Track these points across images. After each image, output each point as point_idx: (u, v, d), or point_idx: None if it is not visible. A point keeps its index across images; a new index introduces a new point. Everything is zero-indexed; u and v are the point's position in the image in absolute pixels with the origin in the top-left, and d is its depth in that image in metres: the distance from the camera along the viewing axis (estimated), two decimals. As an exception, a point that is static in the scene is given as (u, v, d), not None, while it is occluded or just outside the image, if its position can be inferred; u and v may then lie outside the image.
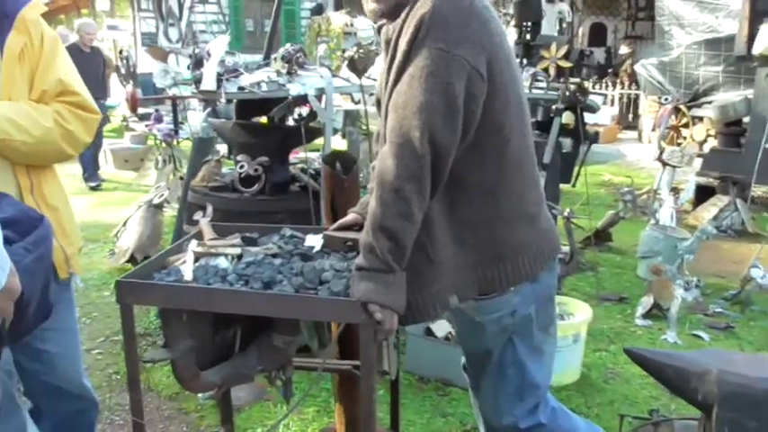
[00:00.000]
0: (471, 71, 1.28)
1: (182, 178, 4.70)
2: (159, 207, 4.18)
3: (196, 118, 5.39)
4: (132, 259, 3.98)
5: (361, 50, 2.41)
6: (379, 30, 1.48)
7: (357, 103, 3.00)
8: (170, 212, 4.97)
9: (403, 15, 1.33)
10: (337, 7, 15.43)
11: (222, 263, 1.54)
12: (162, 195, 4.15)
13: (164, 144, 5.71)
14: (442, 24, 1.26)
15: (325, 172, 1.88)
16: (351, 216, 1.69)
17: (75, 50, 5.95)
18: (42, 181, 1.59)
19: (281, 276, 1.45)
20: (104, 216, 5.38)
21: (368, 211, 1.34)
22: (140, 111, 7.84)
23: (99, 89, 5.79)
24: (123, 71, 5.40)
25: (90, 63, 6.03)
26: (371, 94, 2.80)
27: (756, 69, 5.52)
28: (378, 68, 2.63)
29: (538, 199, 1.51)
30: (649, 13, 10.89)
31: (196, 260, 1.57)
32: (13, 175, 1.52)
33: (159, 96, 7.09)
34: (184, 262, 1.56)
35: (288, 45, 2.70)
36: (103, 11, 14.63)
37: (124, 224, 4.25)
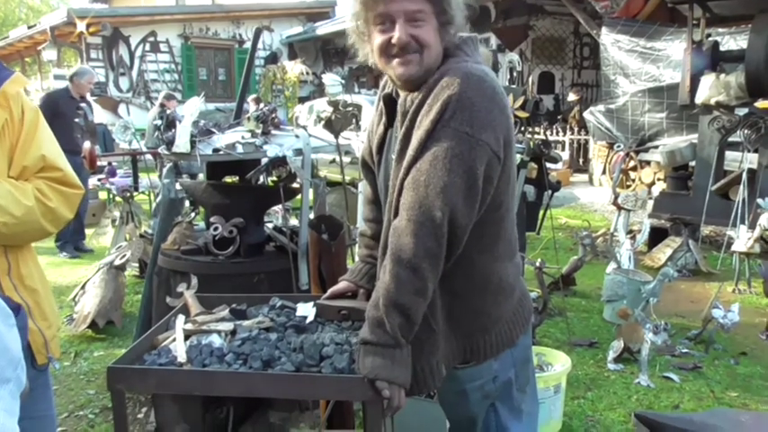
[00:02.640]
0: (492, 156, 1.31)
1: (142, 236, 4.57)
2: (121, 269, 4.02)
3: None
4: (93, 325, 3.79)
5: (338, 112, 2.43)
6: (385, 98, 1.50)
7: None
8: (129, 272, 4.80)
9: (424, 90, 1.34)
10: (292, 56, 15.68)
11: (216, 340, 1.48)
12: (124, 256, 4.00)
13: (119, 199, 5.56)
14: (468, 109, 1.28)
15: (311, 238, 1.86)
16: (342, 284, 1.68)
17: (65, 97, 5.55)
18: (20, 261, 1.51)
19: (280, 353, 1.41)
20: (59, 278, 5.13)
21: (378, 285, 1.32)
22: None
23: (76, 143, 5.32)
24: (83, 126, 5.20)
25: (76, 114, 5.53)
26: (348, 152, 2.82)
27: (699, 117, 5.87)
28: (357, 130, 2.67)
29: (517, 270, 1.54)
30: (594, 62, 11.50)
31: (186, 338, 1.51)
32: None
33: (118, 153, 6.93)
34: (174, 340, 1.50)
35: (261, 105, 2.69)
36: (50, 60, 14.34)
37: (83, 287, 4.06)
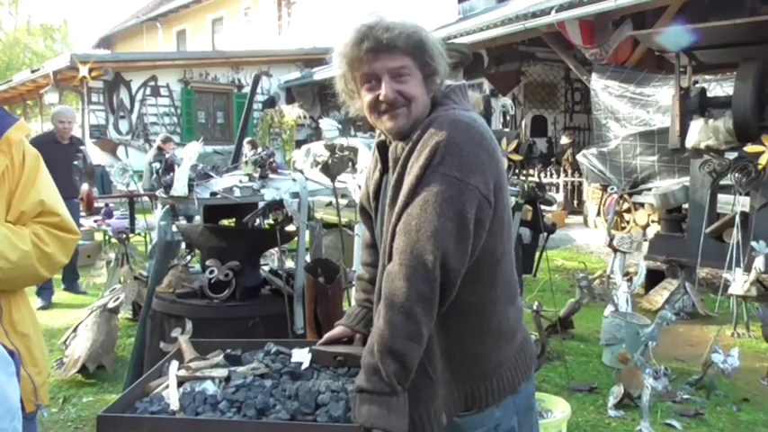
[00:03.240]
0: (482, 200, 1.32)
1: (136, 278, 4.53)
2: (115, 311, 3.97)
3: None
4: (83, 369, 3.71)
5: (334, 156, 2.46)
6: (379, 145, 1.52)
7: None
8: (122, 315, 4.74)
9: (414, 137, 1.37)
10: (289, 100, 15.92)
11: (209, 387, 1.46)
12: (118, 299, 3.96)
13: (114, 241, 5.54)
14: (457, 154, 1.31)
15: (308, 281, 1.85)
16: (339, 329, 1.66)
17: (49, 142, 5.38)
18: (13, 306, 1.49)
19: (274, 400, 1.39)
20: (50, 320, 5.06)
21: (374, 331, 1.31)
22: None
23: (72, 187, 5.19)
24: (81, 169, 5.20)
25: (66, 157, 5.34)
26: (344, 195, 2.84)
27: (690, 161, 5.95)
28: (352, 179, 2.69)
29: (518, 314, 1.53)
30: (585, 106, 11.73)
31: (180, 384, 1.48)
32: None
33: (116, 195, 6.96)
34: (167, 387, 1.47)
35: (259, 149, 2.72)
36: (51, 104, 14.53)
37: (74, 330, 4.00)
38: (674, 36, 5.61)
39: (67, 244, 1.54)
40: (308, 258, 2.70)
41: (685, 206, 6.42)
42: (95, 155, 13.00)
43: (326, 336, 1.66)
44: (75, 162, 5.21)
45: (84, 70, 12.84)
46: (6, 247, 1.40)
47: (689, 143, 5.72)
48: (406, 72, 1.37)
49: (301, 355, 1.62)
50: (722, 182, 5.76)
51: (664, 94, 7.51)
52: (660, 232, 6.66)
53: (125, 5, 24.40)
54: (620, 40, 8.40)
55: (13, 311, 1.49)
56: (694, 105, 5.80)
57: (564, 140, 11.51)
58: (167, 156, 2.53)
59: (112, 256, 5.18)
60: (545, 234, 4.26)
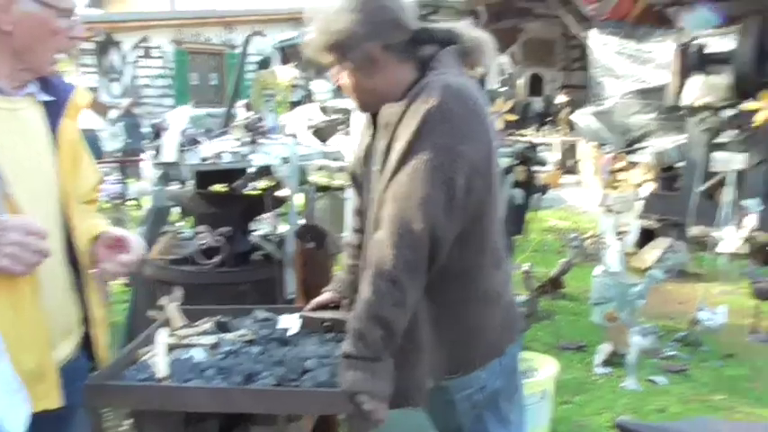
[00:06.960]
0: (472, 167, 1.31)
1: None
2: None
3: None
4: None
5: (326, 121, 2.44)
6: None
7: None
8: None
9: (405, 102, 1.34)
10: (284, 61, 15.61)
11: (197, 354, 1.48)
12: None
13: (107, 205, 5.53)
14: (448, 121, 1.29)
15: (297, 247, 1.86)
16: (327, 294, 1.68)
17: None
18: None
19: (261, 367, 1.41)
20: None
21: (359, 297, 1.32)
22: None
23: None
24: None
25: None
26: (336, 159, 2.83)
27: (686, 119, 5.91)
28: (345, 141, 2.67)
29: (504, 278, 1.53)
30: (583, 64, 11.52)
31: (169, 351, 1.51)
32: None
33: (107, 160, 6.92)
34: (155, 355, 1.50)
35: (250, 113, 2.70)
36: (41, 66, 14.25)
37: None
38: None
39: None
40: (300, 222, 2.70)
41: (680, 164, 6.41)
42: (89, 118, 12.81)
43: (314, 301, 1.68)
44: None
45: (74, 31, 12.52)
46: None
47: (687, 100, 5.67)
48: (337, 66, 1.45)
49: (289, 321, 1.65)
50: (718, 139, 5.74)
51: (663, 50, 7.39)
52: (655, 191, 6.67)
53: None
54: (620, -5, 8.19)
55: None
56: (693, 61, 5.72)
57: (560, 99, 11.36)
58: (156, 121, 2.50)
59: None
60: (536, 194, 4.26)
